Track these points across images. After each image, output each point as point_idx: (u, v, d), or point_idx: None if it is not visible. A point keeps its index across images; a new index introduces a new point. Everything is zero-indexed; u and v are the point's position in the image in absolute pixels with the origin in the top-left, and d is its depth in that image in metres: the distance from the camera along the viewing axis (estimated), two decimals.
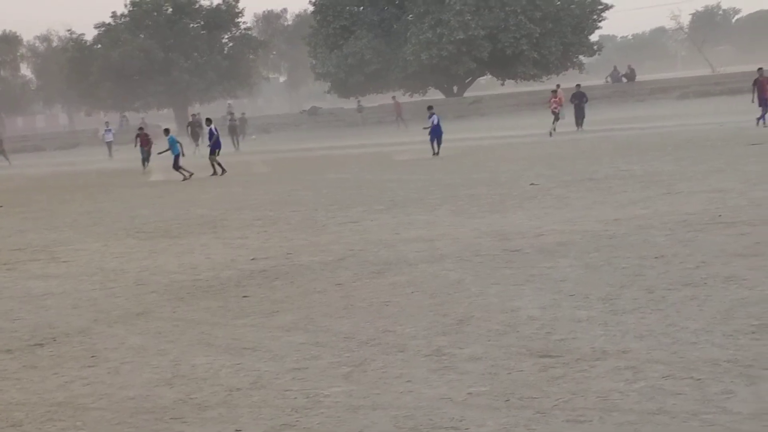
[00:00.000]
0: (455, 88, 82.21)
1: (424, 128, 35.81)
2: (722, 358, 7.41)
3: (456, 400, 6.96)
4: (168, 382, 7.97)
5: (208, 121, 37.89)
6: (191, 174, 32.49)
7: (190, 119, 54.86)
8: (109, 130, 61.82)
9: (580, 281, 10.75)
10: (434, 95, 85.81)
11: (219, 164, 33.93)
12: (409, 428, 6.44)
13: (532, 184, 21.65)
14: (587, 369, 7.44)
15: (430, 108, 37.25)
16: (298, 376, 7.83)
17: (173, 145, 33.54)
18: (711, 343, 7.86)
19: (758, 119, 34.42)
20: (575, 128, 43.97)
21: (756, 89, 35.38)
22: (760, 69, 36.67)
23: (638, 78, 77.83)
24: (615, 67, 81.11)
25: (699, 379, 6.96)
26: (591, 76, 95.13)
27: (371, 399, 7.11)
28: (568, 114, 46.56)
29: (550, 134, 41.03)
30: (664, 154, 26.77)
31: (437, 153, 34.17)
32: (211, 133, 35.15)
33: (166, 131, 36.02)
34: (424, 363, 7.95)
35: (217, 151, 34.48)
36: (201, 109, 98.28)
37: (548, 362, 7.68)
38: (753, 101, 35.48)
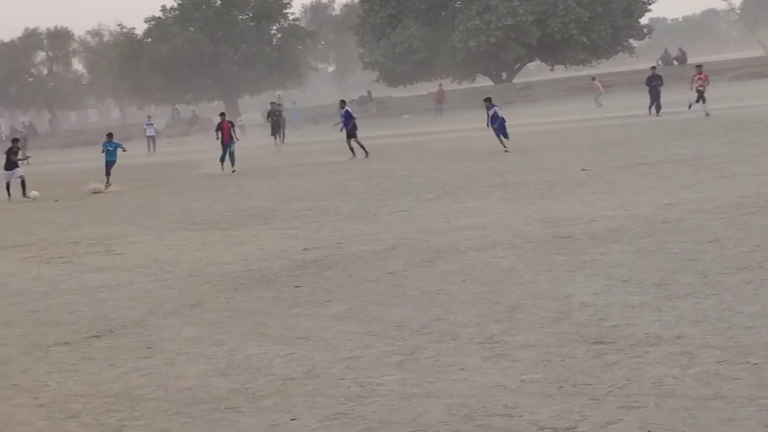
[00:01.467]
0: (504, 75, 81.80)
1: (490, 126, 31.47)
2: None
3: (509, 387, 6.95)
4: (223, 372, 8.04)
5: (342, 103, 37.50)
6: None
7: (270, 107, 51.14)
8: (151, 125, 59.83)
9: (633, 267, 10.68)
10: (483, 82, 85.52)
11: (361, 146, 33.28)
12: (462, 416, 6.45)
13: (582, 169, 21.53)
14: (641, 355, 7.40)
15: (487, 100, 32.41)
16: (351, 365, 7.87)
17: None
18: (767, 328, 7.78)
19: None
20: (647, 112, 41.52)
21: None
22: None
23: (689, 61, 76.94)
24: (666, 50, 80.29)
25: (755, 364, 6.90)
26: (641, 59, 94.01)
27: (424, 387, 7.13)
28: (634, 97, 45.76)
29: (690, 107, 37.80)
30: (716, 136, 26.50)
31: (507, 149, 29.57)
32: (348, 115, 34.27)
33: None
34: (477, 351, 7.95)
35: (355, 133, 33.87)
36: (251, 101, 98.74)
37: (602, 348, 7.65)
38: None
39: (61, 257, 15.81)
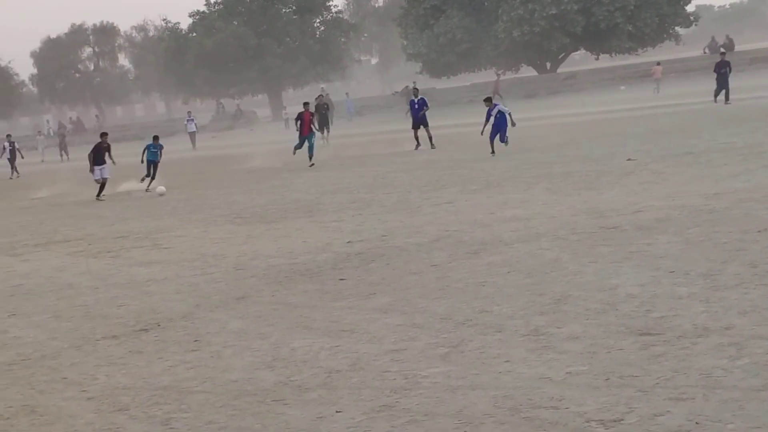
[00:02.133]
0: (548, 65, 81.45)
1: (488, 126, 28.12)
2: None
3: (555, 379, 6.92)
4: (269, 365, 8.07)
5: (416, 90, 37.16)
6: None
7: (316, 101, 48.80)
8: (192, 120, 59.40)
9: (680, 257, 10.59)
10: (527, 72, 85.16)
11: (429, 137, 32.74)
12: (508, 408, 6.43)
13: (628, 159, 21.38)
14: (689, 346, 7.34)
15: (487, 100, 29.15)
16: (396, 358, 7.87)
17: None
18: None
19: None
20: (713, 99, 40.27)
21: None
22: None
23: (737, 48, 76.15)
24: (713, 38, 79.61)
25: None
26: (688, 47, 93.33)
27: (469, 379, 7.11)
28: (681, 85, 44.77)
29: None
30: (765, 125, 26.20)
31: (493, 152, 26.96)
32: (422, 102, 33.53)
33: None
34: (522, 343, 7.92)
35: (425, 122, 33.13)
36: (294, 95, 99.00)
37: (649, 340, 7.59)
38: None
39: (109, 251, 15.95)
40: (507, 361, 7.45)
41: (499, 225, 14.25)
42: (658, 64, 63.00)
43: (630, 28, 75.50)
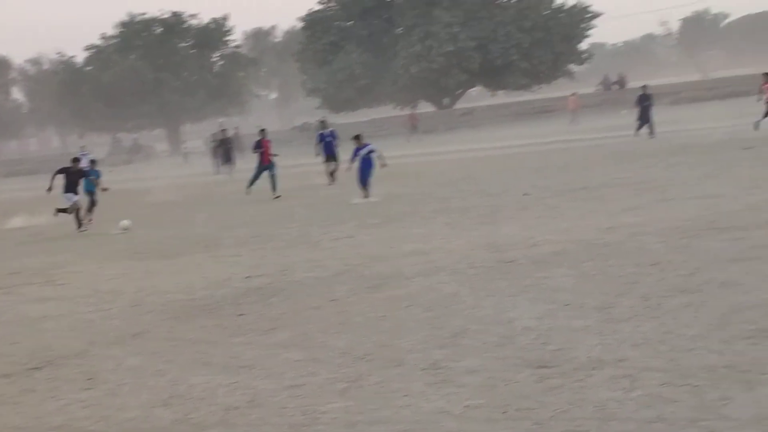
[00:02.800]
0: (446, 100, 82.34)
1: (348, 167, 25.93)
2: (719, 364, 7.42)
3: (454, 413, 6.96)
4: (165, 403, 7.96)
5: (323, 123, 35.60)
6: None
7: (221, 135, 47.66)
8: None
9: (576, 290, 10.76)
10: (425, 108, 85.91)
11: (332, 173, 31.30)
12: None
13: (525, 194, 21.67)
14: (584, 378, 7.44)
15: (357, 138, 26.15)
16: (295, 393, 7.83)
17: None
18: (708, 350, 7.86)
19: None
20: (634, 133, 39.09)
21: None
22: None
23: (629, 85, 77.92)
24: (606, 75, 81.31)
25: (696, 386, 6.96)
26: (581, 84, 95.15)
27: (369, 414, 7.11)
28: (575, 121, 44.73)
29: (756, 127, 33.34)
30: (657, 160, 26.80)
31: (366, 197, 24.62)
32: (333, 135, 32.38)
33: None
34: (421, 377, 7.95)
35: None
36: (192, 129, 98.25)
37: (545, 373, 7.69)
38: None
39: (0, 288, 15.60)
40: (406, 396, 7.47)
41: (399, 259, 14.31)
42: (573, 94, 64.01)
43: (525, 65, 76.88)
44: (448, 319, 9.99)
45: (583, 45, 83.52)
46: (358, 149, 25.24)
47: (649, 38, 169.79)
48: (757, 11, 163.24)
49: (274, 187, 28.96)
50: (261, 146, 30.03)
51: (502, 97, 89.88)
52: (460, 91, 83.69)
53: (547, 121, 62.54)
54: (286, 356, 9.12)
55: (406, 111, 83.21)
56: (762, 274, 10.45)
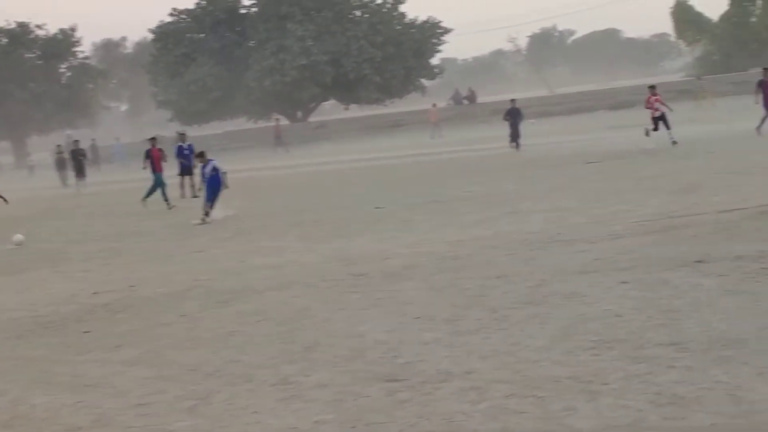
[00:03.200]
0: (300, 114, 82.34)
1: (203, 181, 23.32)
2: (563, 375, 7.57)
3: (302, 429, 6.93)
4: (6, 425, 7.71)
5: (182, 135, 33.39)
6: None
7: (74, 146, 45.01)
8: None
9: (426, 303, 10.84)
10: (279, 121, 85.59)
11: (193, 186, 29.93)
12: None
13: (377, 207, 21.79)
14: (433, 391, 7.50)
15: (200, 156, 24.04)
16: (142, 412, 7.68)
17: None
18: (552, 361, 8.01)
19: (759, 125, 31.21)
20: (509, 144, 39.33)
21: (761, 91, 32.01)
22: (765, 69, 33.17)
23: (479, 100, 79.27)
24: (456, 90, 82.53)
25: (541, 397, 7.09)
26: (433, 98, 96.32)
27: None
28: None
29: (647, 132, 32.05)
30: (507, 174, 27.29)
31: (206, 216, 22.55)
32: (191, 149, 30.68)
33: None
34: (271, 393, 7.90)
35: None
36: (39, 141, 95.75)
37: (394, 386, 7.72)
38: (756, 103, 32.36)
39: None
40: (255, 412, 7.41)
41: (251, 273, 14.21)
42: (434, 105, 64.51)
43: (378, 80, 77.46)
44: (298, 333, 9.95)
45: (434, 60, 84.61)
46: (203, 167, 23.48)
47: (499, 54, 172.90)
48: (602, 28, 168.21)
49: (149, 194, 28.68)
50: (150, 155, 29.60)
51: (356, 111, 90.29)
52: (314, 104, 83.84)
53: (401, 135, 63.12)
54: (134, 374, 8.94)
55: (260, 124, 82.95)
56: (604, 286, 10.72)
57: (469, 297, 10.95)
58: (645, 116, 33.75)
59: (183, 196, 30.86)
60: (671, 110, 32.06)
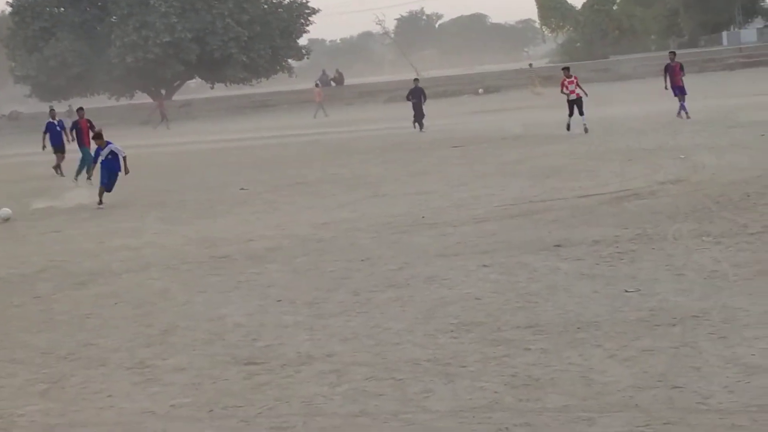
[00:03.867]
0: (163, 92, 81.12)
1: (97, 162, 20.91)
2: (423, 358, 7.61)
3: (158, 413, 6.81)
4: None
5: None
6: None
7: None
8: None
9: (288, 286, 10.79)
10: (142, 99, 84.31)
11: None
12: None
13: (242, 189, 21.60)
14: (292, 374, 7.46)
15: (98, 137, 21.32)
16: None
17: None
18: (412, 343, 8.06)
19: (679, 110, 29.95)
20: (413, 126, 36.68)
21: (668, 75, 31.07)
22: (671, 53, 33.04)
23: (347, 82, 79.35)
24: (324, 71, 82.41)
25: (400, 380, 7.11)
26: (300, 80, 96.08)
27: (69, 416, 6.86)
28: (293, 117, 44.18)
29: (568, 128, 28.71)
30: (372, 157, 27.33)
31: (101, 203, 20.11)
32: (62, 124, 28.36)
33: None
34: (127, 376, 7.75)
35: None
36: None
37: (253, 369, 7.66)
38: (666, 88, 31.17)
39: None
40: (110, 396, 7.26)
41: (109, 254, 13.93)
42: (317, 86, 64.04)
43: (244, 59, 76.82)
44: (156, 316, 9.80)
45: (302, 40, 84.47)
46: (99, 149, 21.19)
47: (367, 36, 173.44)
48: (469, 13, 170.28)
49: (89, 170, 25.36)
50: (76, 127, 27.30)
51: (222, 90, 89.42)
52: (178, 82, 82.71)
53: (268, 115, 62.61)
54: None
55: (123, 101, 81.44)
56: (465, 269, 10.83)
57: (331, 280, 10.93)
58: (512, 100, 34.24)
59: (58, 173, 29.59)
60: (586, 95, 29.30)
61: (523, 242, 12.11)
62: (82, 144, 27.11)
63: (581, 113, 28.58)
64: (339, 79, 77.54)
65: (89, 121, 27.75)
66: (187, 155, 35.41)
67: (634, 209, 13.93)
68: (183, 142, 44.03)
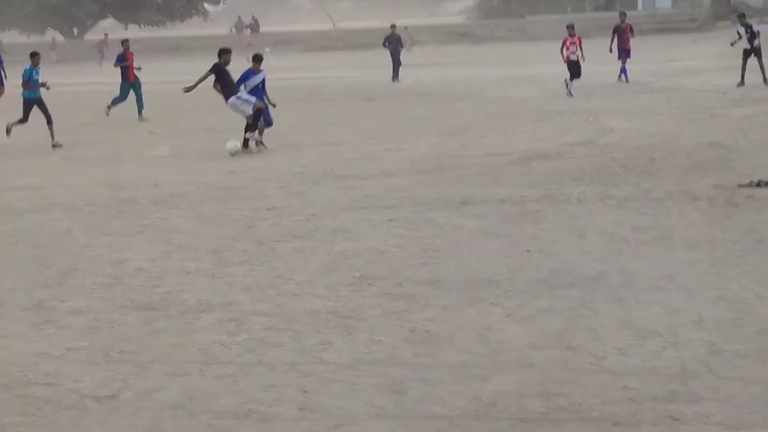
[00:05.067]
0: (75, 30, 79.48)
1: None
2: (323, 310, 7.63)
3: (53, 355, 6.74)
4: None
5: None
6: None
7: None
8: None
9: (192, 233, 10.71)
10: (53, 36, 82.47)
11: None
12: (1, 386, 6.17)
13: (151, 132, 21.33)
14: (191, 322, 7.44)
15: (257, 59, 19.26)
16: None
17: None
18: (313, 295, 8.07)
19: (620, 73, 28.82)
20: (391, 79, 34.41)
21: (615, 37, 29.29)
22: (622, 14, 31.92)
23: (263, 29, 78.48)
24: (239, 17, 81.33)
25: (298, 331, 7.13)
26: (215, 24, 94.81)
27: None
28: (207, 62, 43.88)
29: (570, 93, 25.58)
30: (285, 106, 27.07)
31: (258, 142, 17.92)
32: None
33: None
34: (23, 317, 7.65)
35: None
36: None
37: (152, 315, 7.61)
38: (611, 51, 29.28)
39: None
40: (4, 337, 7.18)
41: (10, 193, 13.68)
42: (232, 31, 62.93)
43: (159, 1, 75.59)
44: (57, 257, 9.67)
45: None
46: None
47: None
48: None
49: (140, 110, 24.44)
50: (124, 59, 25.10)
51: (135, 31, 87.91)
52: (91, 22, 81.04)
53: (182, 59, 61.64)
54: None
55: (33, 39, 79.59)
56: (371, 223, 10.85)
57: (236, 228, 10.88)
58: (431, 55, 34.05)
59: None
60: (584, 59, 26.42)
61: (430, 198, 12.16)
62: (127, 77, 24.92)
63: (574, 77, 25.79)
64: (254, 26, 76.60)
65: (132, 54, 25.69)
66: (99, 95, 34.75)
67: (542, 169, 14.07)
68: (95, 83, 43.23)
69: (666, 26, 63.40)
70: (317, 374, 6.25)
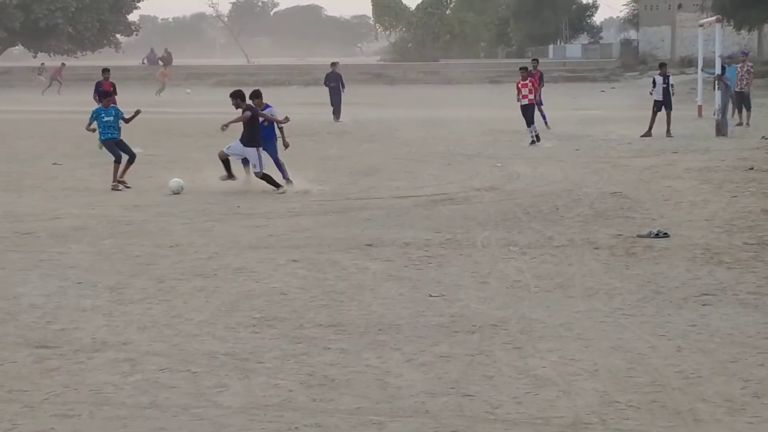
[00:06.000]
0: None
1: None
2: (221, 351, 7.53)
3: None
4: None
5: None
6: None
7: None
8: None
9: (91, 268, 10.53)
10: None
11: None
12: None
13: (54, 163, 21.00)
14: (84, 361, 7.28)
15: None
16: None
17: None
18: (212, 336, 7.96)
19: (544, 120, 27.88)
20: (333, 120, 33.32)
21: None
22: (534, 60, 32.09)
23: (177, 62, 77.98)
24: (152, 49, 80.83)
25: (195, 372, 7.02)
26: (128, 56, 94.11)
27: None
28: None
29: (537, 140, 24.52)
30: (193, 140, 26.95)
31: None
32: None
33: None
34: None
35: None
36: None
37: (44, 353, 7.44)
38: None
39: None
40: None
41: None
42: (144, 63, 62.35)
43: (70, 30, 74.83)
44: None
45: (133, 16, 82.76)
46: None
47: (200, 17, 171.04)
48: (305, 4, 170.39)
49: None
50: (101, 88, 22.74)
51: (44, 60, 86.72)
52: (0, 49, 79.84)
53: (90, 89, 60.91)
54: None
55: None
56: (275, 263, 10.78)
57: (136, 265, 10.72)
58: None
59: None
60: (541, 102, 26.64)
61: (335, 239, 12.13)
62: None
63: (527, 123, 24.72)
64: (167, 59, 76.07)
65: (113, 85, 25.12)
66: (2, 124, 34.16)
67: (448, 213, 14.14)
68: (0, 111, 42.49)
69: (576, 75, 64.59)
70: (210, 418, 6.15)
